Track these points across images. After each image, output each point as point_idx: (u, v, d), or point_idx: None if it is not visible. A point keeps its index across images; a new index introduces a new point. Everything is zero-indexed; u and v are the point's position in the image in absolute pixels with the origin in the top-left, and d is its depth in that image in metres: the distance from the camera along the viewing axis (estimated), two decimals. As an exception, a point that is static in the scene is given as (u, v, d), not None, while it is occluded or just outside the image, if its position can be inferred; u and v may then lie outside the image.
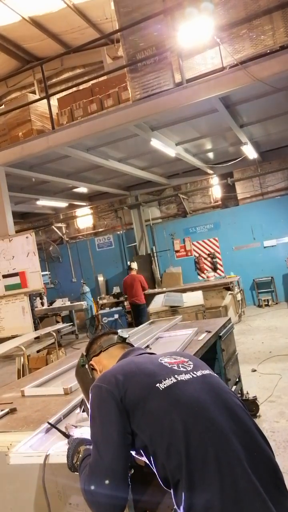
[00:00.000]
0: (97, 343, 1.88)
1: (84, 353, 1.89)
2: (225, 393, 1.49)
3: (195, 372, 1.54)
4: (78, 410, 2.18)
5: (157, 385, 1.44)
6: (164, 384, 1.45)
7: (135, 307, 10.36)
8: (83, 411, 2.03)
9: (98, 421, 1.45)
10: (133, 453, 1.49)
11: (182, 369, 1.54)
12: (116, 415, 1.42)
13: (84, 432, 1.81)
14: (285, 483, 1.35)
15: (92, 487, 1.37)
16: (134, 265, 10.75)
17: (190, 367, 1.57)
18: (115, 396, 1.44)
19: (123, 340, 1.89)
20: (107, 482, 1.36)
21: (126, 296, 10.94)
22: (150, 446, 1.38)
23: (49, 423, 2.00)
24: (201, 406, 1.39)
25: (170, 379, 1.47)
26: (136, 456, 1.54)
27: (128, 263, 11.17)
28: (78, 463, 1.55)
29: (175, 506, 1.33)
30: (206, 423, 1.34)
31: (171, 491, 1.34)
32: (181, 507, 1.27)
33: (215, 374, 1.62)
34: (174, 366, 1.55)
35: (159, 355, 1.71)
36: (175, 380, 1.46)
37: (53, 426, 1.97)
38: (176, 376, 1.49)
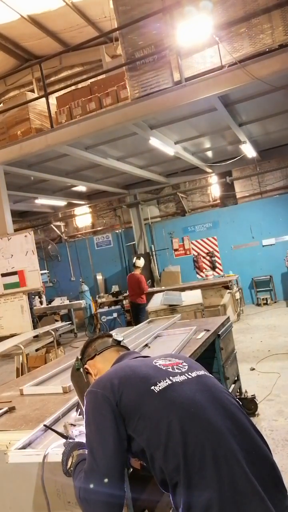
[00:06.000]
0: (91, 346, 1.88)
1: (79, 357, 1.88)
2: (220, 393, 1.48)
3: (190, 373, 1.54)
4: (74, 413, 2.17)
5: (152, 387, 1.44)
6: (159, 386, 1.44)
7: (135, 306, 10.32)
8: (80, 414, 2.03)
9: (94, 427, 1.44)
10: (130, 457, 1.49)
11: (176, 370, 1.54)
12: (111, 420, 1.41)
13: (83, 430, 1.81)
14: (283, 481, 1.35)
15: (88, 494, 1.37)
16: (139, 263, 9.93)
17: (185, 368, 1.57)
18: (111, 401, 1.43)
19: (117, 343, 1.88)
20: (103, 489, 1.35)
21: (127, 294, 10.85)
22: (148, 450, 1.37)
23: (45, 426, 2.00)
24: (197, 406, 1.38)
25: (165, 381, 1.46)
26: (132, 459, 1.54)
27: (133, 259, 10.18)
28: (72, 468, 1.55)
29: (173, 506, 1.33)
30: (203, 424, 1.34)
31: (170, 493, 1.34)
32: (180, 509, 1.27)
33: (210, 375, 1.62)
34: (169, 368, 1.55)
35: (153, 357, 1.71)
36: (170, 382, 1.46)
37: (49, 427, 1.96)
38: (171, 378, 1.48)
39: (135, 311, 10.25)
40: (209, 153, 10.55)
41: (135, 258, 10.25)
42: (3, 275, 6.92)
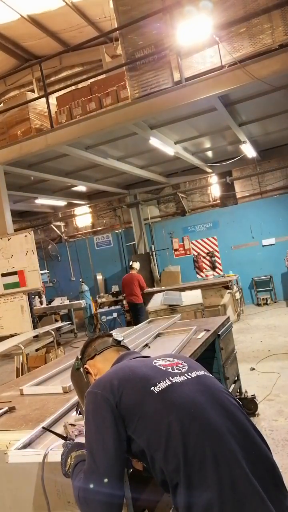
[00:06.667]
0: (91, 346, 1.87)
1: (79, 356, 1.88)
2: (220, 393, 1.48)
3: (189, 374, 1.53)
4: (74, 413, 2.17)
5: (152, 388, 1.44)
6: (159, 387, 1.44)
7: (132, 306, 10.38)
8: (79, 413, 2.03)
9: (93, 428, 1.44)
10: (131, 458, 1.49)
11: (176, 371, 1.53)
12: (111, 421, 1.40)
13: (82, 430, 1.81)
14: (284, 481, 1.35)
15: (87, 495, 1.37)
16: (136, 265, 10.64)
17: (185, 368, 1.56)
18: (111, 402, 1.43)
19: (117, 343, 1.88)
20: (102, 489, 1.35)
21: (124, 295, 10.95)
22: (148, 451, 1.37)
23: (43, 428, 2.00)
24: (197, 407, 1.38)
25: (164, 381, 1.46)
26: (134, 460, 1.54)
27: (130, 262, 11.00)
28: (70, 470, 1.55)
29: (174, 506, 1.33)
30: (203, 424, 1.34)
31: (170, 493, 1.34)
32: (181, 509, 1.27)
33: (210, 375, 1.61)
34: (169, 369, 1.55)
35: (153, 358, 1.70)
36: (169, 383, 1.46)
37: (47, 429, 1.96)
38: (170, 378, 1.48)
39: (134, 311, 10.37)
40: (209, 153, 10.55)
41: (132, 261, 10.99)
42: (3, 275, 6.92)
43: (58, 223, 14.76)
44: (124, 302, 11.25)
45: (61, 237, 14.93)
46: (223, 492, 1.22)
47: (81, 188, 11.69)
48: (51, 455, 1.72)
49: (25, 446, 1.88)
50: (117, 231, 13.99)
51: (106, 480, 1.35)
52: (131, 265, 10.79)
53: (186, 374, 1.53)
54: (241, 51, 5.27)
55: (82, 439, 1.70)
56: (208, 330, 3.82)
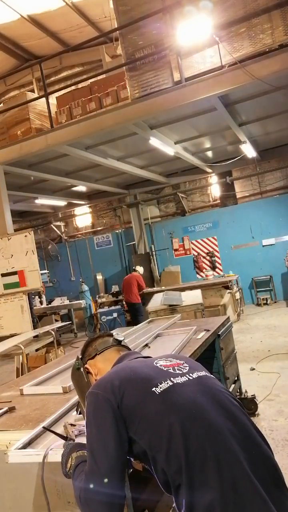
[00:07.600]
0: (92, 346, 1.86)
1: (80, 356, 1.87)
2: (221, 394, 1.48)
3: (190, 374, 1.53)
4: (74, 412, 2.17)
5: (153, 389, 1.43)
6: (160, 388, 1.44)
7: (130, 305, 10.42)
8: (79, 413, 2.02)
9: (95, 429, 1.43)
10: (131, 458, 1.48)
11: (177, 371, 1.53)
12: (112, 422, 1.40)
13: (83, 430, 1.81)
14: (285, 481, 1.35)
15: (88, 495, 1.36)
16: (139, 269, 10.86)
17: (186, 369, 1.56)
18: (112, 403, 1.42)
19: (118, 343, 1.87)
20: (103, 490, 1.35)
21: (123, 294, 10.98)
22: (150, 452, 1.37)
23: (44, 428, 1.99)
24: (198, 408, 1.38)
25: (166, 382, 1.46)
26: (134, 461, 1.54)
27: (134, 267, 11.24)
28: (71, 471, 1.55)
29: (174, 505, 1.32)
30: (204, 425, 1.33)
31: (172, 495, 1.33)
32: (182, 510, 1.27)
33: (211, 375, 1.61)
34: (170, 369, 1.54)
35: (154, 358, 1.70)
36: (171, 383, 1.46)
37: (47, 429, 1.96)
38: (172, 379, 1.48)
39: (132, 311, 10.42)
40: (209, 153, 10.55)
41: (135, 265, 11.35)
42: (3, 275, 6.92)
43: (58, 223, 14.77)
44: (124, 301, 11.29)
45: (61, 237, 14.94)
46: (224, 493, 1.21)
47: (81, 188, 11.69)
48: (51, 455, 1.72)
49: (25, 446, 1.88)
50: (117, 231, 13.99)
51: (106, 480, 1.35)
52: (135, 268, 10.97)
53: (187, 375, 1.52)
54: (241, 51, 5.27)
55: (82, 439, 1.70)
56: (208, 330, 3.82)
